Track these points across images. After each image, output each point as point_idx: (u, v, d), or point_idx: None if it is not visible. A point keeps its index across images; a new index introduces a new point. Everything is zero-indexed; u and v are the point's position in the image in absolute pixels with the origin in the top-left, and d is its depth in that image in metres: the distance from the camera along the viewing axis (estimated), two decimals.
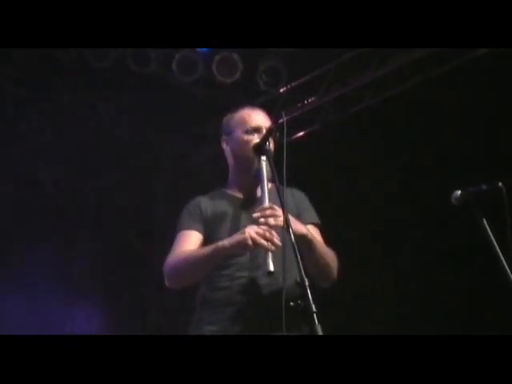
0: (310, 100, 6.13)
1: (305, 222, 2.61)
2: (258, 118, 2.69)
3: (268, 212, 2.32)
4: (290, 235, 2.16)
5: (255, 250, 2.30)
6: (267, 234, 2.25)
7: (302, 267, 2.01)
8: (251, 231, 2.27)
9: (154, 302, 6.86)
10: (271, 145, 2.57)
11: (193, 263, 2.46)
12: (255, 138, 2.61)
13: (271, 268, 2.17)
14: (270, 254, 2.21)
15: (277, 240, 2.25)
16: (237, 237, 2.32)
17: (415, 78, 5.48)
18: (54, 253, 6.36)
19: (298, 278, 2.01)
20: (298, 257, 2.05)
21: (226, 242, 2.36)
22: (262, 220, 2.30)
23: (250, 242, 2.25)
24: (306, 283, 1.96)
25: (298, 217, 2.59)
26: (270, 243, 2.23)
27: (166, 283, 2.55)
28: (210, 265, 2.46)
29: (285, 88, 6.02)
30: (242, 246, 2.29)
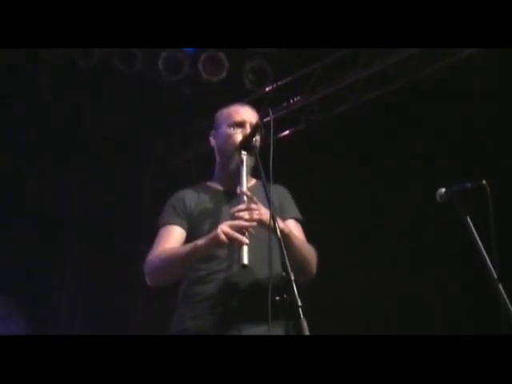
0: (295, 99, 6.15)
1: (286, 217, 2.62)
2: (244, 113, 2.70)
3: (243, 206, 2.33)
4: (274, 229, 2.16)
5: (231, 244, 2.29)
6: (241, 227, 2.26)
7: (287, 261, 2.01)
8: (223, 226, 2.28)
9: (139, 301, 6.84)
10: (257, 141, 2.58)
11: (172, 263, 2.47)
12: (238, 133, 2.63)
13: (245, 261, 2.18)
14: (244, 247, 2.21)
15: (251, 232, 2.26)
16: (211, 234, 2.33)
17: (400, 78, 5.51)
18: (38, 252, 6.33)
19: (284, 272, 2.02)
20: (284, 251, 2.05)
21: (202, 241, 2.37)
22: (237, 214, 2.31)
23: (223, 237, 2.25)
24: (292, 277, 1.96)
25: (280, 212, 2.61)
26: (244, 236, 2.23)
27: (148, 281, 2.56)
28: (188, 264, 2.47)
29: (271, 87, 6.04)
30: (217, 242, 2.29)
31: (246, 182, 2.46)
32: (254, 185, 2.64)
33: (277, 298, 2.02)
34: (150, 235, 2.70)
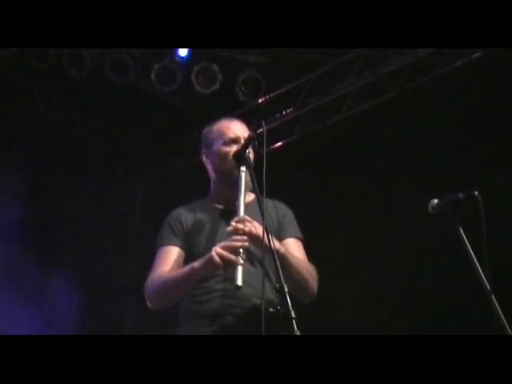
0: (288, 111, 6.18)
1: (286, 236, 2.61)
2: (237, 129, 2.68)
3: (238, 225, 2.31)
4: (268, 243, 2.14)
5: (227, 266, 2.27)
6: (234, 247, 2.25)
7: (281, 273, 2.01)
8: (217, 248, 2.27)
9: (130, 315, 6.82)
10: (251, 154, 2.57)
11: (171, 286, 2.47)
12: (234, 149, 2.60)
13: (239, 282, 2.16)
14: (239, 268, 2.20)
15: (246, 251, 2.25)
16: (206, 257, 2.32)
17: (392, 89, 5.55)
18: (31, 264, 6.30)
19: (277, 285, 2.01)
20: (278, 263, 2.05)
21: (198, 264, 2.37)
22: (230, 229, 2.30)
23: (217, 260, 2.25)
24: (285, 289, 1.96)
25: (280, 229, 2.59)
26: (238, 257, 2.22)
27: (148, 305, 2.55)
28: (187, 287, 2.48)
29: (263, 99, 6.07)
30: (212, 265, 2.29)
31: (245, 199, 2.44)
32: (253, 200, 2.62)
33: (271, 310, 2.01)
34: (147, 240, 2.69)
